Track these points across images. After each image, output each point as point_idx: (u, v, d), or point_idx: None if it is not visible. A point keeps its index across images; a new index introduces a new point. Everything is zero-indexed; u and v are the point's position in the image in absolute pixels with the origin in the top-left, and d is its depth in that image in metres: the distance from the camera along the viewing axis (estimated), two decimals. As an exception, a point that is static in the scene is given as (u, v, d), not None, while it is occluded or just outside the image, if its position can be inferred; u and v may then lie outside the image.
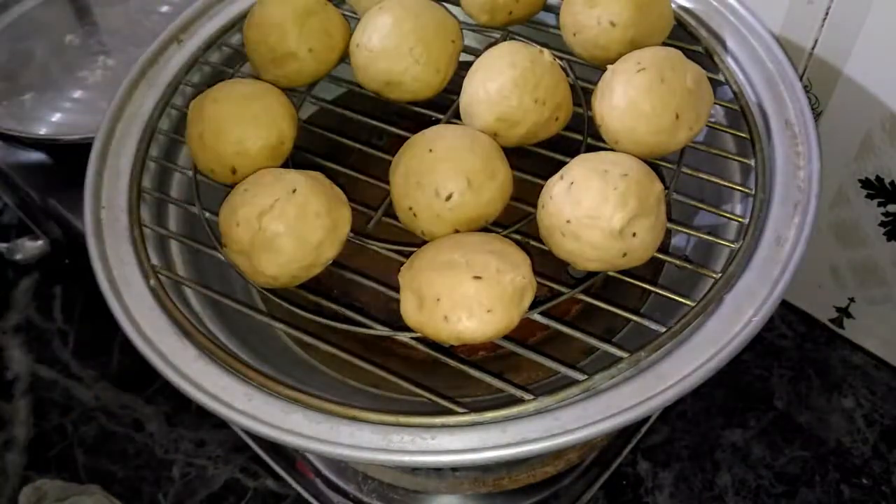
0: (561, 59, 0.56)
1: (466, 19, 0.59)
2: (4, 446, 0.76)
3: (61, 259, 0.85)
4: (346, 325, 0.46)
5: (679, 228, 0.48)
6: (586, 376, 0.42)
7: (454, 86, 0.54)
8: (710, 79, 0.50)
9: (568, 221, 0.43)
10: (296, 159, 0.53)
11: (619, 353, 0.43)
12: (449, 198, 0.44)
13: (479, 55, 0.52)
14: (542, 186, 0.47)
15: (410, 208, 0.46)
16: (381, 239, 0.46)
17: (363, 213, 0.50)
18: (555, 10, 0.57)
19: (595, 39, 0.52)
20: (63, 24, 0.85)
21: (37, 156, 0.75)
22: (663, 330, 0.44)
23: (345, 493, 0.67)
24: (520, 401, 0.42)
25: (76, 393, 0.79)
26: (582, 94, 0.54)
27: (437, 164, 0.45)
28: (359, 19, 0.59)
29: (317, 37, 0.54)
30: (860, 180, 0.65)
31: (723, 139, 0.55)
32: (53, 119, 0.76)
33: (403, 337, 0.45)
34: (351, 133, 0.56)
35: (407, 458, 0.41)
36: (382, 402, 0.50)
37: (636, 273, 0.46)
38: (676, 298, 0.45)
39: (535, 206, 0.47)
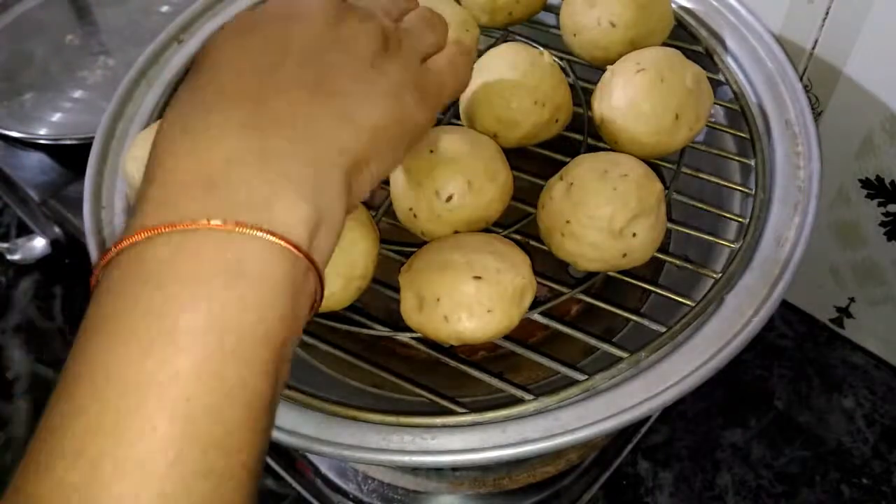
0: (561, 59, 0.56)
1: (466, 19, 0.59)
2: (4, 446, 0.76)
3: (61, 259, 0.85)
4: (346, 325, 0.46)
5: (679, 228, 0.48)
6: (586, 376, 0.42)
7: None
8: (710, 79, 0.50)
9: (568, 222, 0.43)
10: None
11: (619, 353, 0.43)
12: (449, 199, 0.44)
13: (480, 56, 0.52)
14: (542, 187, 0.47)
15: (410, 209, 0.46)
16: (382, 239, 0.46)
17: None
18: (555, 11, 0.57)
19: (595, 40, 0.52)
20: (63, 24, 0.85)
21: (37, 156, 0.75)
22: (663, 330, 0.44)
23: (345, 493, 0.67)
24: (520, 401, 0.42)
25: (76, 393, 0.79)
26: (582, 95, 0.54)
27: (438, 165, 0.45)
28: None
29: None
30: (860, 180, 0.65)
31: (723, 139, 0.55)
32: (53, 119, 0.76)
33: (403, 337, 0.45)
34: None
35: (407, 458, 0.41)
36: (382, 402, 0.50)
37: (636, 273, 0.46)
38: (676, 298, 0.45)
39: (535, 206, 0.47)
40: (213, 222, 0.27)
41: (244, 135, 0.29)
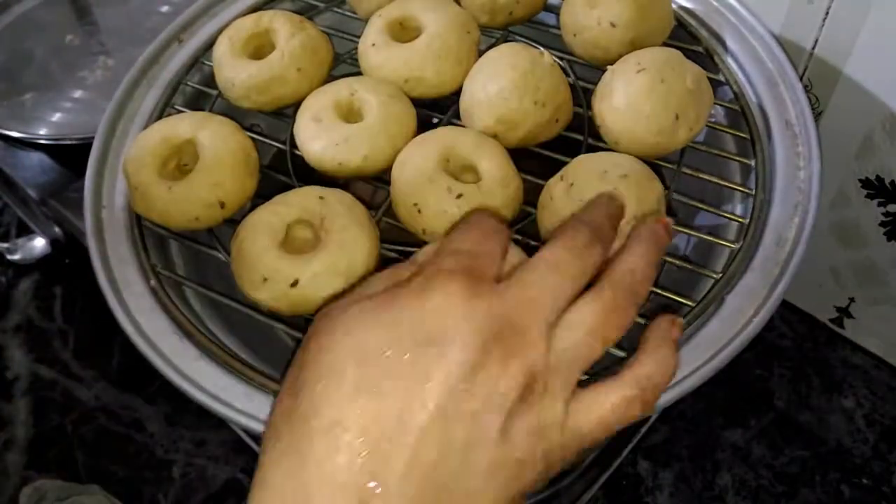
0: (561, 59, 0.56)
1: (466, 19, 0.58)
2: (4, 446, 0.76)
3: (61, 259, 0.85)
4: (347, 326, 0.46)
5: (679, 229, 0.48)
6: (587, 376, 0.42)
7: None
8: (710, 79, 0.50)
9: (568, 222, 0.43)
10: (296, 162, 0.53)
11: (619, 353, 0.43)
12: (460, 196, 0.44)
13: (480, 56, 0.52)
14: (542, 187, 0.47)
15: (416, 204, 0.46)
16: (381, 238, 0.46)
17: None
18: (555, 11, 0.57)
19: (595, 40, 0.52)
20: (63, 24, 0.85)
21: (37, 156, 0.75)
22: (664, 330, 0.44)
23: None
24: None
25: (76, 393, 0.79)
26: (582, 95, 0.54)
27: (452, 163, 0.45)
28: (359, 20, 0.59)
29: (305, 56, 0.54)
30: (860, 180, 0.65)
31: (723, 139, 0.55)
32: (53, 119, 0.76)
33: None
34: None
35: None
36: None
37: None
38: (677, 299, 0.45)
39: (535, 206, 0.47)
40: None
41: None
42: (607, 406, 0.31)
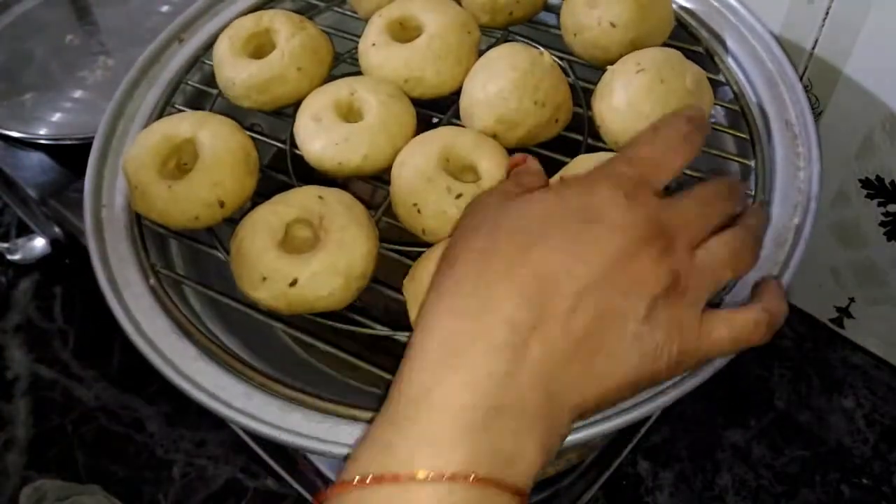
0: (561, 59, 0.56)
1: (466, 19, 0.58)
2: (4, 446, 0.76)
3: (61, 259, 0.85)
4: (347, 325, 0.46)
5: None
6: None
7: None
8: (710, 79, 0.50)
9: (568, 222, 0.43)
10: (295, 161, 0.53)
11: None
12: (459, 196, 0.45)
13: (480, 56, 0.52)
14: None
15: (415, 204, 0.46)
16: (381, 238, 0.46)
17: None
18: (555, 11, 0.57)
19: (595, 40, 0.52)
20: (63, 24, 0.85)
21: (37, 156, 0.75)
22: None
23: (345, 493, 0.66)
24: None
25: (76, 393, 0.79)
26: (582, 95, 0.54)
27: (452, 163, 0.45)
28: (360, 19, 0.59)
29: (305, 55, 0.54)
30: (860, 180, 0.65)
31: (723, 140, 0.55)
32: (53, 119, 0.76)
33: (403, 337, 0.45)
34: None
35: (407, 458, 0.41)
36: (382, 402, 0.50)
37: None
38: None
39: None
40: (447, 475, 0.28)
41: (503, 386, 0.30)
42: (740, 322, 0.35)
